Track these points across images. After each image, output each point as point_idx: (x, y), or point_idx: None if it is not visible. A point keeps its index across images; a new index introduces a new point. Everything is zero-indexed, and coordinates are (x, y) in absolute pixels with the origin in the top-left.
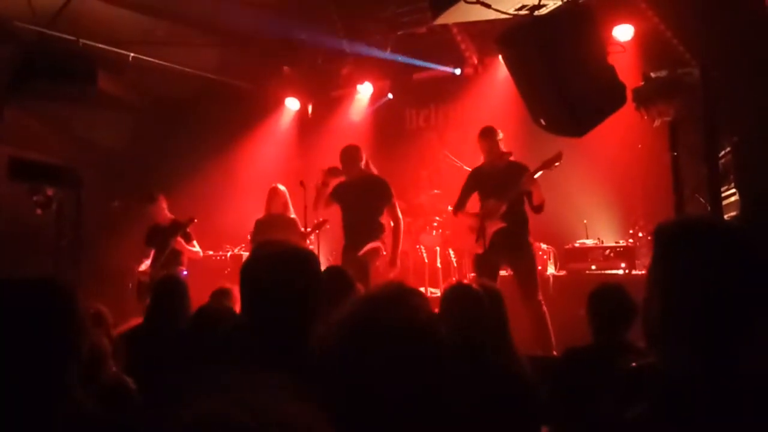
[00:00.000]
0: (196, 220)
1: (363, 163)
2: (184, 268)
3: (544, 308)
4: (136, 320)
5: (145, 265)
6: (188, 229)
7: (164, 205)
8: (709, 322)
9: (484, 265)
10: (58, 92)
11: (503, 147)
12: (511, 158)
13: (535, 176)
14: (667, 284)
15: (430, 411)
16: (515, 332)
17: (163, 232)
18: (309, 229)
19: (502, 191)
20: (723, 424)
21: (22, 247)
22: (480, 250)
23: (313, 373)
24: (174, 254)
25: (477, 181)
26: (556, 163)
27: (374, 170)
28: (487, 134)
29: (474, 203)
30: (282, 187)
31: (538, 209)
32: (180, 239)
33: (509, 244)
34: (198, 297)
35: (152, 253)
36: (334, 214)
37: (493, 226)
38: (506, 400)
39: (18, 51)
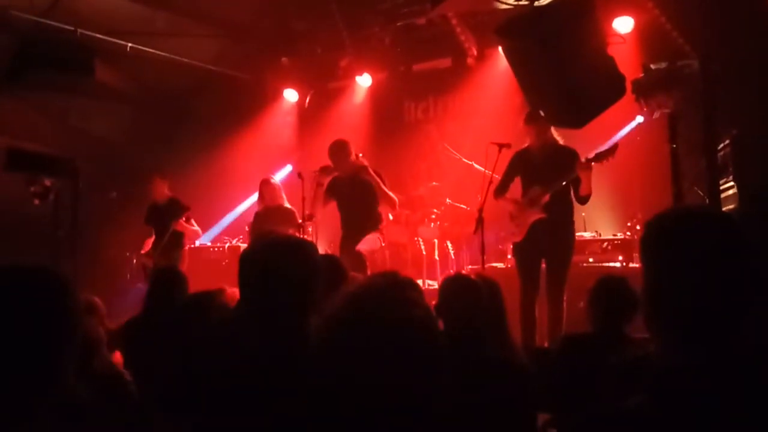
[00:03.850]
0: (190, 209)
1: (353, 156)
2: (184, 251)
3: (565, 306)
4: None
5: (147, 247)
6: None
7: (167, 183)
8: (705, 313)
9: (525, 256)
10: (55, 82)
11: (554, 132)
12: (561, 143)
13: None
14: (663, 275)
15: (426, 404)
16: (511, 323)
17: (161, 210)
18: (300, 221)
19: (549, 179)
20: (720, 415)
21: (19, 237)
22: (477, 239)
23: (308, 365)
24: (175, 237)
25: (521, 166)
26: (610, 157)
27: (365, 163)
28: (535, 118)
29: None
30: (274, 179)
31: (584, 200)
32: (181, 221)
33: (551, 235)
34: (196, 289)
35: (152, 234)
36: (332, 206)
37: (534, 215)
38: (503, 390)
39: (15, 40)
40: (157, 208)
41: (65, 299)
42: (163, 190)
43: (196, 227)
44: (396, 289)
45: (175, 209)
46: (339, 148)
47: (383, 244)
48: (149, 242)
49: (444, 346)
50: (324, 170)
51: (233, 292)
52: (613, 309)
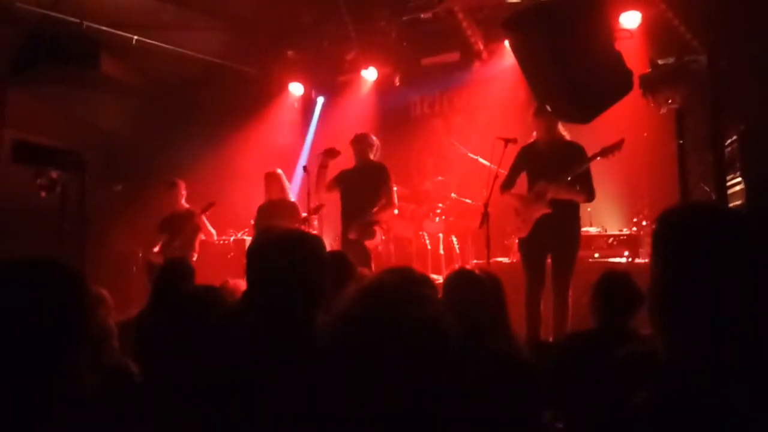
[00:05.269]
0: (215, 203)
1: (365, 146)
2: (195, 253)
3: (570, 302)
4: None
5: (158, 247)
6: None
7: (183, 192)
8: (710, 310)
9: (531, 251)
10: (61, 75)
11: (561, 128)
12: (567, 138)
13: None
14: (669, 271)
15: (437, 400)
16: (517, 319)
17: (177, 219)
18: (306, 215)
19: (555, 175)
20: (727, 412)
21: (26, 229)
22: (483, 233)
23: (318, 359)
24: (187, 240)
25: (528, 160)
26: (616, 151)
27: (375, 158)
28: (544, 112)
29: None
30: (279, 171)
31: (589, 198)
32: (203, 216)
33: (556, 230)
34: (201, 281)
35: (163, 238)
36: (336, 200)
37: (540, 211)
38: (506, 385)
39: (21, 33)
40: (175, 216)
41: (78, 293)
42: (180, 200)
43: (212, 229)
44: (411, 286)
45: (190, 215)
46: (355, 138)
47: (383, 238)
48: (160, 243)
49: (457, 344)
50: (328, 152)
51: (236, 283)
52: (616, 304)
